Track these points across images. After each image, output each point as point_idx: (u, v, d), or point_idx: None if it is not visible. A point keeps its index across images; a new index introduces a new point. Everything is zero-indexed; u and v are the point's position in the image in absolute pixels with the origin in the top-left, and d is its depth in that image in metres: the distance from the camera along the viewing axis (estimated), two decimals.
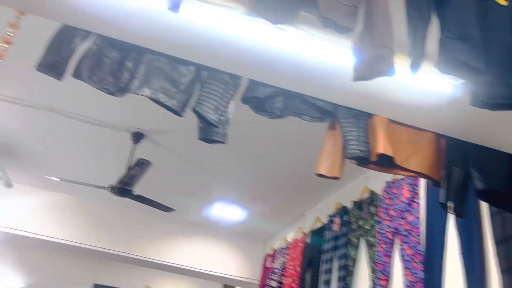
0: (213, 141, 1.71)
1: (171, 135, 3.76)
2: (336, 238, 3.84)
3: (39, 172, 4.79)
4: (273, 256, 5.37)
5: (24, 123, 3.89)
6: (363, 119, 1.78)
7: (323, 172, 1.78)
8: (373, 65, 1.04)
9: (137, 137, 3.78)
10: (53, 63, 1.57)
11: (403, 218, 2.98)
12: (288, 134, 3.39)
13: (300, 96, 1.76)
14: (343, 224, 3.80)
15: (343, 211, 3.86)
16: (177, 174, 4.47)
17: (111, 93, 1.59)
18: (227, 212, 5.22)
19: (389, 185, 3.25)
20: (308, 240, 4.40)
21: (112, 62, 1.62)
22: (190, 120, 1.82)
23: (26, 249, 6.89)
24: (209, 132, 1.69)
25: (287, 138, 3.48)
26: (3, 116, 3.79)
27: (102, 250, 5.29)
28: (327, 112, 1.79)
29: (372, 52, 1.04)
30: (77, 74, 1.58)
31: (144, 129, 3.73)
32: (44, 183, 5.12)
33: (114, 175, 3.79)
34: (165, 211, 4.26)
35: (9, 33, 1.51)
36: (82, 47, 1.62)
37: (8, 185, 5.25)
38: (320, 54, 1.46)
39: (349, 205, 3.82)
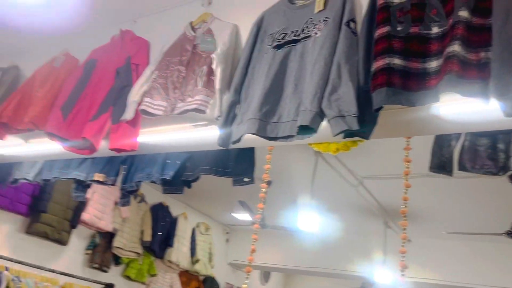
0: None
1: None
2: None
3: (434, 227, 5.41)
4: None
5: (416, 192, 4.58)
6: None
7: None
8: None
9: None
10: (440, 164, 2.07)
11: None
12: None
13: None
14: None
15: None
16: None
17: (495, 174, 1.92)
18: None
19: None
20: None
21: (486, 148, 1.96)
22: None
23: None
24: None
25: None
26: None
27: None
28: None
29: None
30: (461, 167, 2.01)
31: None
32: (439, 235, 5.68)
33: (503, 220, 3.87)
34: None
35: (406, 154, 2.11)
36: (457, 146, 2.05)
37: (408, 241, 6.11)
38: None
39: None
